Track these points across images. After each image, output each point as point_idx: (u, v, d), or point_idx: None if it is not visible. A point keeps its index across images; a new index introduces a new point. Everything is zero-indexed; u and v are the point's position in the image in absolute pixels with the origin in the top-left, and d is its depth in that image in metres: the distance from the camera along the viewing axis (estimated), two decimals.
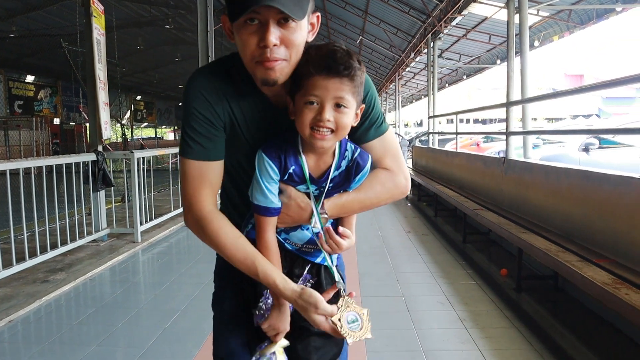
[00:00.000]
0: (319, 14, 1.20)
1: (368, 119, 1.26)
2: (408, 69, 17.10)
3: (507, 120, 5.71)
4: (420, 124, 42.46)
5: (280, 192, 1.20)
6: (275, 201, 1.18)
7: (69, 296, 4.04)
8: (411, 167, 11.44)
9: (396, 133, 18.80)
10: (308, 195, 1.21)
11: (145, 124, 37.74)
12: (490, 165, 5.92)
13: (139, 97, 35.18)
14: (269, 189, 1.18)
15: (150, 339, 3.12)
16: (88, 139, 6.93)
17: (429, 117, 10.93)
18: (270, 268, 1.16)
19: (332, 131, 1.11)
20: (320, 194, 1.21)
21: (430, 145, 10.41)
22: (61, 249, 4.86)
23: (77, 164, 5.36)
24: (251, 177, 1.19)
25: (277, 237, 1.24)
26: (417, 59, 14.72)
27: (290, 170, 1.18)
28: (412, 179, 10.37)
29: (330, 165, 1.19)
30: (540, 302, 3.73)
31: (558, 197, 3.99)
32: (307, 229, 1.24)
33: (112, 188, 6.16)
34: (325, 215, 1.21)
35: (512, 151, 5.47)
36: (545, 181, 4.28)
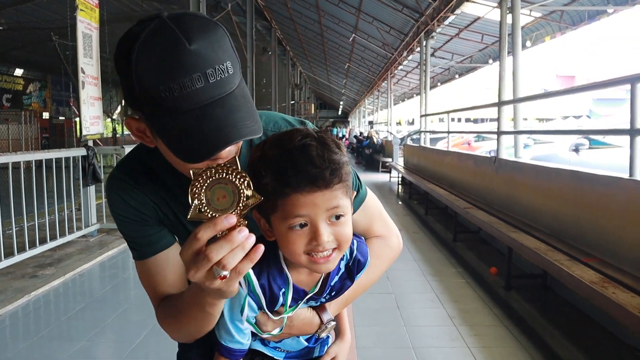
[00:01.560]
0: None
1: None
2: (400, 67, 17.12)
3: (498, 119, 5.74)
4: (412, 123, 42.57)
5: (276, 312, 0.96)
6: (243, 341, 0.94)
7: (58, 291, 4.01)
8: (402, 165, 11.48)
9: (388, 131, 18.83)
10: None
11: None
12: (481, 164, 5.95)
13: None
14: (240, 328, 0.94)
15: (140, 334, 3.11)
16: (78, 133, 6.88)
17: (421, 116, 10.96)
18: None
19: (334, 248, 0.85)
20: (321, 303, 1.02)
21: (422, 144, 10.44)
22: (50, 244, 4.83)
23: (67, 159, 5.32)
24: None
25: (261, 349, 1.04)
26: (409, 58, 14.75)
27: (281, 299, 0.94)
28: (403, 178, 10.43)
29: (328, 273, 0.96)
30: (529, 301, 3.76)
31: (548, 196, 4.02)
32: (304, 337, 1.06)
33: (102, 183, 6.12)
34: (333, 323, 1.04)
35: (503, 150, 5.50)
36: (536, 181, 4.31)
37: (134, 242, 1.03)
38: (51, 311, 3.67)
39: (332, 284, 0.98)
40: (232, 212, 0.74)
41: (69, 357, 2.83)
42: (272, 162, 0.82)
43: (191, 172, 0.75)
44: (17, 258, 4.32)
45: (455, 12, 9.62)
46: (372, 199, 1.16)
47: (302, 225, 0.82)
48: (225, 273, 0.73)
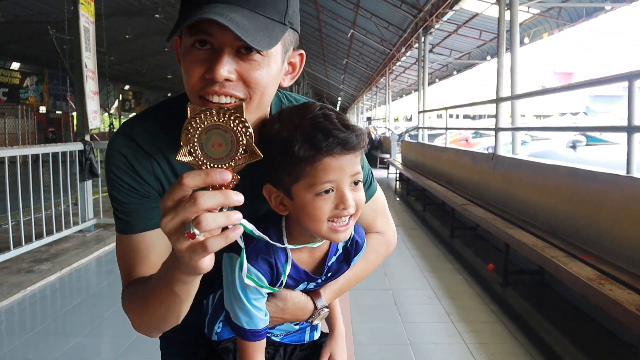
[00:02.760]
0: (302, 51, 0.94)
1: None
2: (399, 63, 17.12)
3: (496, 116, 5.74)
4: (410, 119, 42.58)
5: (270, 294, 0.96)
6: (263, 318, 0.93)
7: (54, 286, 4.00)
8: (400, 161, 11.48)
9: (386, 128, 18.83)
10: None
11: (133, 114, 37.14)
12: (478, 160, 5.95)
13: (127, 87, 34.87)
14: (257, 306, 0.92)
15: (136, 331, 3.10)
16: (75, 128, 6.85)
17: (419, 112, 10.96)
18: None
19: (351, 215, 0.87)
20: (316, 287, 1.02)
21: (420, 140, 10.44)
22: (47, 239, 4.81)
23: (63, 153, 5.30)
24: None
25: None
26: (407, 54, 14.74)
27: (283, 278, 0.93)
28: (401, 174, 10.43)
29: (326, 253, 0.97)
30: (526, 297, 3.77)
31: (545, 193, 4.02)
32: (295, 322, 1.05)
33: (99, 178, 6.10)
34: (327, 310, 1.02)
35: (500, 147, 5.50)
36: (533, 177, 4.32)
37: (123, 212, 0.92)
38: (47, 306, 3.67)
39: (329, 264, 0.98)
40: (226, 165, 0.66)
41: (65, 353, 2.83)
42: (298, 129, 0.82)
43: (188, 108, 0.66)
44: (13, 253, 4.30)
45: (453, 9, 9.62)
46: (380, 195, 1.17)
47: (328, 191, 0.83)
48: (196, 232, 0.63)
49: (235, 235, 0.66)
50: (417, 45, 11.98)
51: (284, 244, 0.90)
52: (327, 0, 13.25)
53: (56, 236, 4.97)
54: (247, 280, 0.87)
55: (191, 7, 0.77)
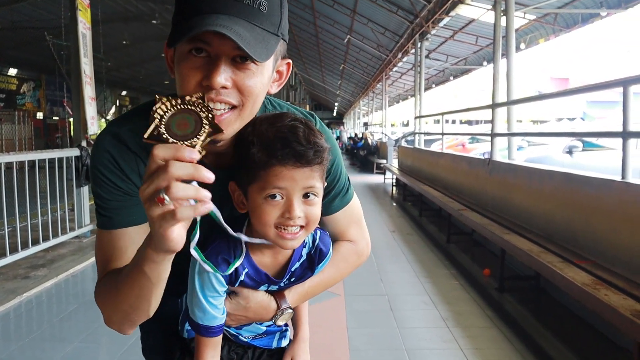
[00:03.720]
0: (290, 60, 0.97)
1: (334, 189, 1.09)
2: (395, 68, 17.15)
3: (492, 121, 5.76)
4: (406, 124, 42.64)
5: (233, 292, 0.98)
6: (219, 316, 0.95)
7: (50, 292, 3.99)
8: (397, 167, 11.49)
9: (383, 133, 18.85)
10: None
11: None
12: (475, 166, 5.97)
13: (124, 93, 34.84)
14: (213, 304, 0.94)
15: (133, 336, 3.09)
16: (72, 133, 6.85)
17: (415, 117, 10.99)
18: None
19: (302, 227, 0.90)
20: (280, 289, 1.03)
21: (416, 146, 10.46)
22: (43, 245, 4.80)
23: (60, 159, 5.30)
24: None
25: (226, 331, 1.04)
26: (404, 59, 14.78)
27: (242, 277, 0.96)
28: (397, 179, 10.44)
29: (290, 258, 0.99)
30: (522, 302, 3.77)
31: (541, 198, 4.03)
32: (261, 323, 1.07)
33: None
34: (290, 310, 1.03)
35: (497, 152, 5.52)
36: (529, 183, 4.33)
37: (106, 208, 0.94)
38: (43, 312, 3.65)
39: (292, 269, 1.00)
40: (191, 141, 0.71)
41: (62, 359, 2.82)
42: (262, 135, 0.88)
43: (156, 96, 0.72)
44: (10, 259, 4.29)
45: (449, 14, 9.66)
46: (356, 204, 1.18)
47: (275, 197, 0.87)
48: (166, 199, 0.67)
49: (204, 209, 0.69)
50: (413, 50, 12.03)
51: (238, 235, 0.92)
52: (323, 6, 13.28)
53: (52, 242, 4.95)
54: (204, 265, 0.88)
55: (191, 15, 0.79)
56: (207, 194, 0.69)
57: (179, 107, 0.72)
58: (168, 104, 0.71)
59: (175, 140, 0.70)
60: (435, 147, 10.96)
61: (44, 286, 4.03)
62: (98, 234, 0.98)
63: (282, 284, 1.02)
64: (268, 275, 0.98)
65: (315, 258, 1.02)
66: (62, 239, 5.15)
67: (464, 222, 5.14)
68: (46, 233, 4.89)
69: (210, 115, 0.72)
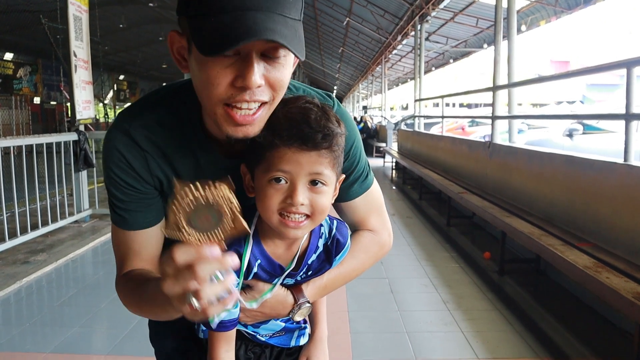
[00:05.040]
0: None
1: (352, 174, 1.03)
2: (395, 51, 17.02)
3: (493, 104, 5.71)
4: (406, 108, 42.48)
5: (248, 286, 0.95)
6: (233, 310, 0.91)
7: (50, 277, 3.99)
8: (396, 150, 11.46)
9: (382, 116, 18.78)
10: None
11: (128, 104, 37.12)
12: (475, 149, 5.94)
13: (121, 77, 34.65)
14: None
15: (133, 320, 3.10)
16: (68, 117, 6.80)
17: (415, 101, 10.92)
18: None
19: (308, 216, 0.85)
20: (297, 283, 0.99)
21: (416, 129, 10.42)
22: (42, 230, 4.79)
23: (57, 144, 5.26)
24: None
25: (243, 331, 1.02)
26: (404, 42, 14.66)
27: (255, 269, 0.92)
28: (397, 163, 10.41)
29: (305, 249, 0.95)
30: (522, 285, 3.77)
31: (542, 181, 4.01)
32: (279, 319, 1.03)
33: (95, 168, 6.07)
34: (308, 305, 0.99)
35: (497, 135, 5.49)
36: (530, 166, 4.31)
37: (120, 208, 0.92)
38: (43, 297, 3.65)
39: (309, 262, 0.96)
40: (213, 237, 0.67)
41: (62, 343, 2.82)
42: (272, 116, 0.84)
43: (175, 182, 0.67)
44: (9, 244, 4.28)
45: None
46: (377, 190, 1.12)
47: (280, 180, 0.83)
48: (196, 304, 0.65)
49: (232, 302, 0.68)
50: (413, 33, 11.91)
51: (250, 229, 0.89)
52: None
53: (52, 227, 4.95)
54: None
55: (220, 10, 0.73)
56: (232, 279, 0.67)
57: (202, 199, 0.66)
58: (190, 195, 0.66)
59: (196, 236, 0.66)
60: (435, 131, 10.91)
61: (44, 271, 4.03)
62: (113, 227, 0.96)
63: (298, 277, 0.97)
64: (282, 266, 0.94)
65: (332, 249, 0.98)
66: (61, 223, 5.14)
67: (464, 205, 5.13)
68: (45, 218, 4.88)
69: (235, 207, 0.67)
